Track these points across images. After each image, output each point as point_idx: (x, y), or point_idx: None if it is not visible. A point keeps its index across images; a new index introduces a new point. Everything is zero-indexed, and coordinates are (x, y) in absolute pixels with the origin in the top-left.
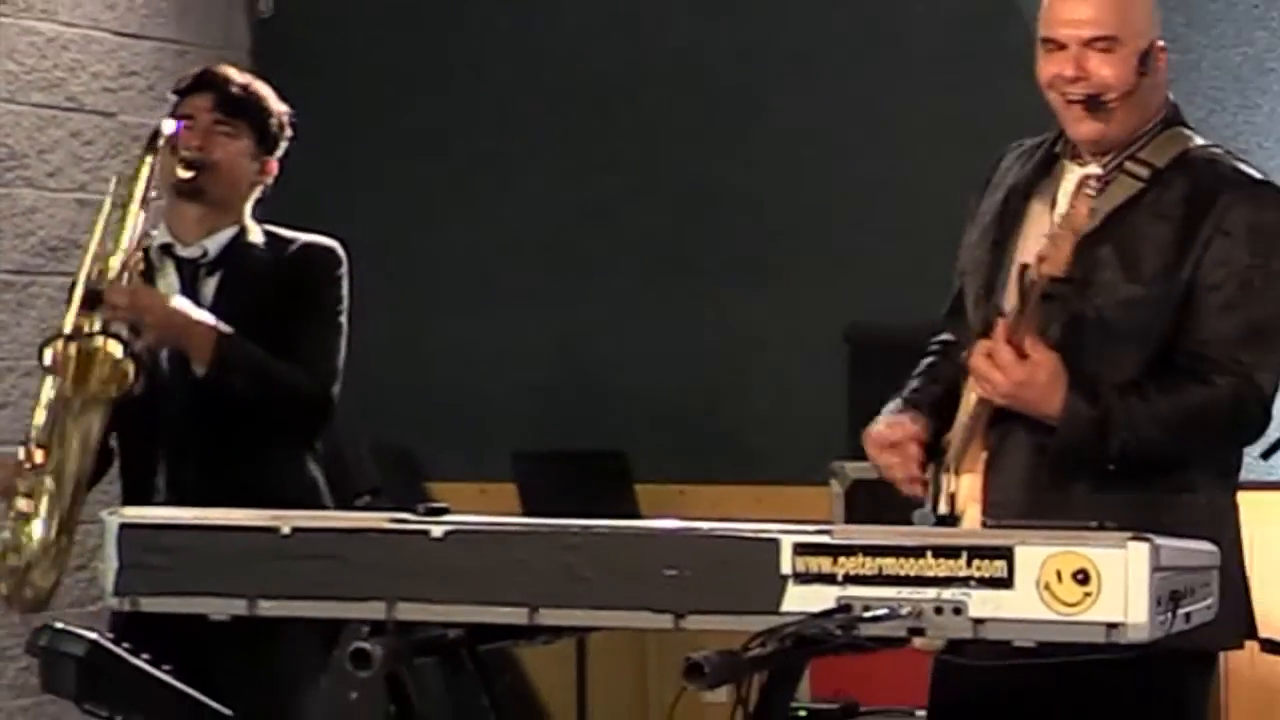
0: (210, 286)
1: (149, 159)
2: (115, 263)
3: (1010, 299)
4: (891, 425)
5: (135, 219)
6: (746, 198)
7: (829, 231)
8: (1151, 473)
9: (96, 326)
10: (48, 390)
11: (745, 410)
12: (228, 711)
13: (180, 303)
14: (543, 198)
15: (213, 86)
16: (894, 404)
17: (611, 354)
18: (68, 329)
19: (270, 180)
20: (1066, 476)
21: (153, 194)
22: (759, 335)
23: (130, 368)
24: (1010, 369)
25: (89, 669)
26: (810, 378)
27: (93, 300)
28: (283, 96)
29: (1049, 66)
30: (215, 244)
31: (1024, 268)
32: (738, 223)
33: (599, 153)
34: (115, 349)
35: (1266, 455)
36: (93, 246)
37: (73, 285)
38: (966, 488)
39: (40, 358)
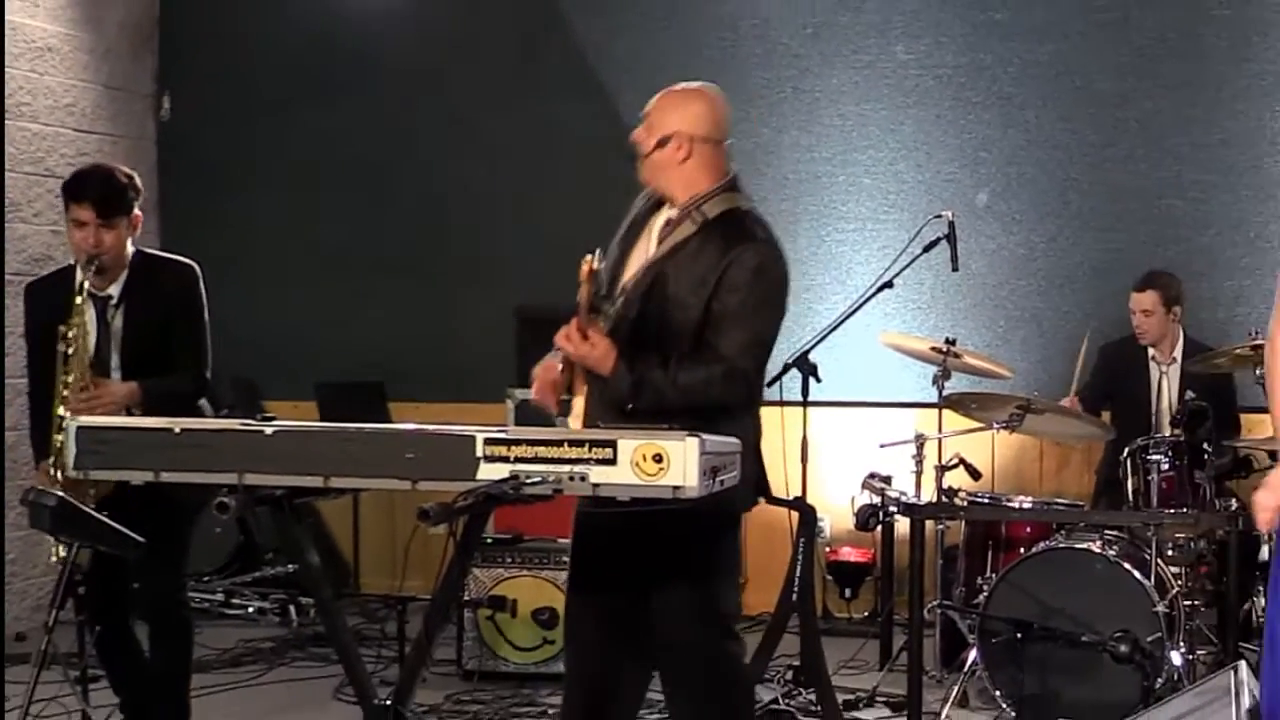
0: (119, 318)
1: (79, 298)
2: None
3: (584, 290)
4: (544, 365)
5: (85, 342)
6: (461, 231)
7: (509, 247)
8: (701, 408)
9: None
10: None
11: (457, 358)
12: (141, 539)
13: (121, 387)
14: (340, 231)
15: (91, 196)
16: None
17: (376, 322)
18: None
19: (140, 224)
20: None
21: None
22: (466, 311)
23: None
24: (577, 344)
25: (58, 513)
26: (496, 338)
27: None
28: (175, 170)
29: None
30: (116, 289)
31: (592, 272)
32: (455, 246)
33: (374, 203)
34: None
35: (769, 384)
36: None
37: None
38: (580, 406)
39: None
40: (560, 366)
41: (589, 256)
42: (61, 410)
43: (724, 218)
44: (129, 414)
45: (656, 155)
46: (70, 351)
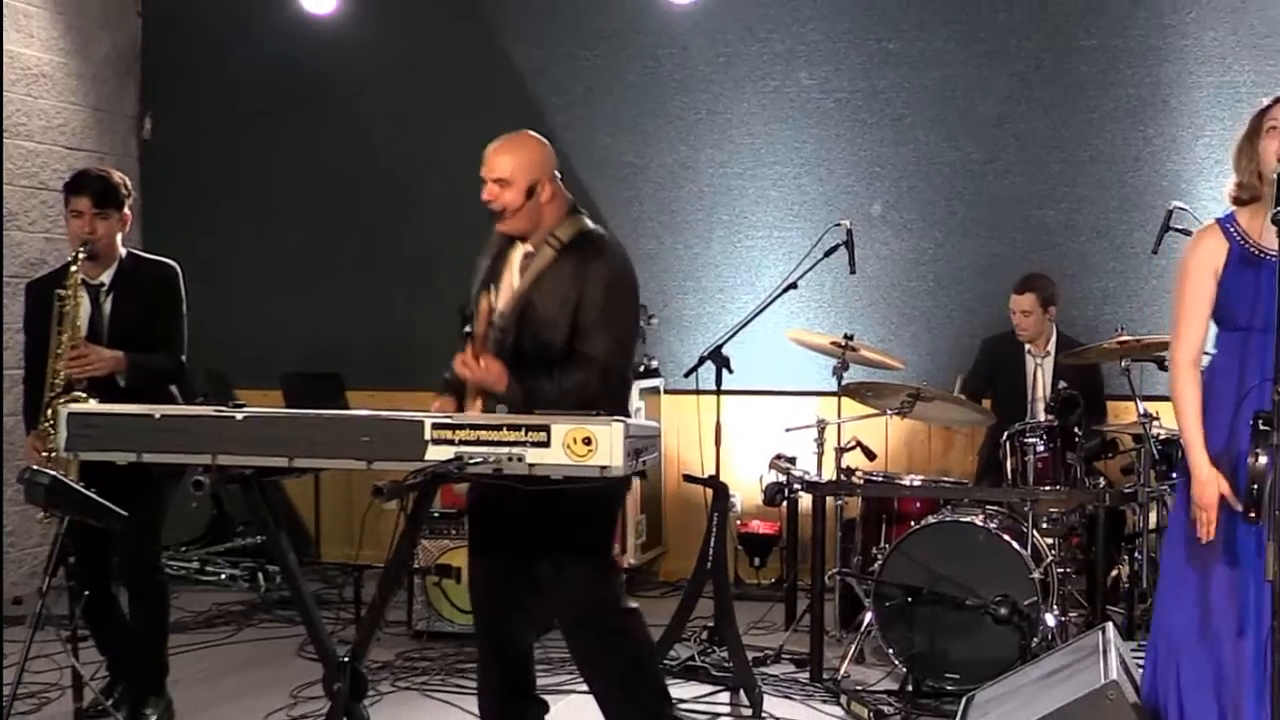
0: (109, 304)
1: (73, 267)
2: (67, 340)
3: (481, 326)
4: (440, 405)
5: (78, 311)
6: (411, 238)
7: (454, 252)
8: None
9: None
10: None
11: (407, 351)
12: (124, 512)
13: (108, 352)
14: (304, 239)
15: (88, 189)
16: (440, 386)
17: (336, 319)
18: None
19: (129, 223)
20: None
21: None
22: (415, 309)
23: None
24: (474, 369)
25: (51, 490)
26: (442, 333)
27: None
28: (156, 184)
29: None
30: (107, 276)
31: (490, 311)
32: (405, 252)
33: (334, 213)
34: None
35: (686, 375)
36: (55, 337)
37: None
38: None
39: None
40: (448, 403)
41: (488, 294)
42: (57, 366)
43: (576, 240)
44: (116, 384)
45: (529, 205)
46: (65, 310)
